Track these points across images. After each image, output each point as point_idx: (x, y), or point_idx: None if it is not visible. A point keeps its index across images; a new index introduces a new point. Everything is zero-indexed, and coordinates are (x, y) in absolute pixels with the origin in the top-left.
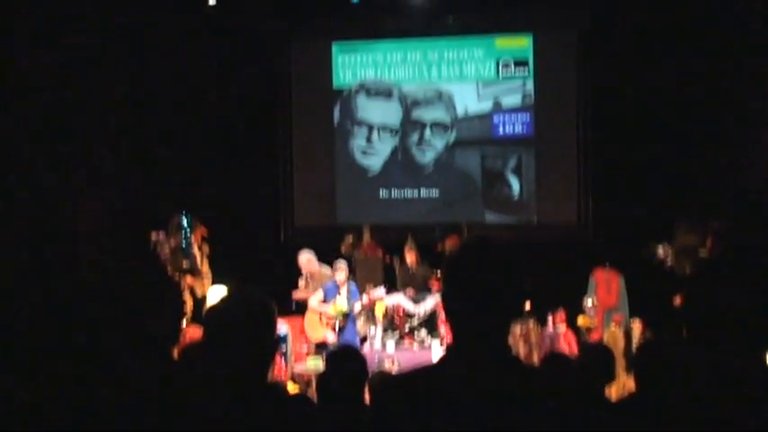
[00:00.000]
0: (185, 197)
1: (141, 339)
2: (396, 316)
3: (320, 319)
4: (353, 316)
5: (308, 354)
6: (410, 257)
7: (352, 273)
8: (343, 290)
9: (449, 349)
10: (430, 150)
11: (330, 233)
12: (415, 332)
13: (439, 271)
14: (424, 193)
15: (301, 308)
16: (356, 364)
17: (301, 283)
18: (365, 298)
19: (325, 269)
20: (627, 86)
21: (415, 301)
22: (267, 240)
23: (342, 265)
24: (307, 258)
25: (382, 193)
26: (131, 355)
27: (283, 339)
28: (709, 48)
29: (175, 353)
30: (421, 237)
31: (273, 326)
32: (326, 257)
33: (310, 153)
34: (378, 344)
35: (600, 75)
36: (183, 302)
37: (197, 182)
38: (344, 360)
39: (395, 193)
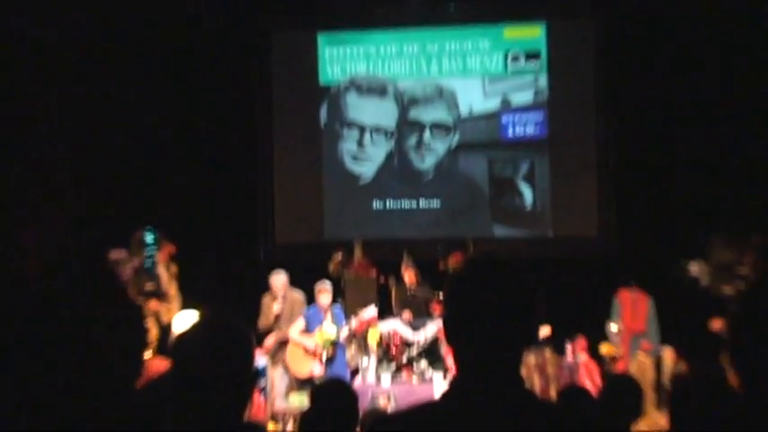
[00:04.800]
0: (150, 210)
1: (98, 374)
2: (392, 345)
3: (305, 350)
4: (342, 344)
5: (290, 385)
6: (408, 277)
7: (342, 295)
8: (328, 314)
9: (453, 383)
10: (430, 155)
11: (316, 251)
12: (415, 363)
13: (441, 293)
14: (423, 203)
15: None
16: (346, 400)
17: (277, 307)
18: (354, 322)
19: (296, 293)
20: (651, 81)
21: (414, 327)
22: (244, 260)
23: (326, 287)
24: (282, 281)
25: (376, 204)
26: (87, 393)
27: (262, 373)
28: (748, 34)
29: (138, 389)
30: (420, 254)
31: (251, 357)
32: (312, 278)
33: (293, 159)
34: (371, 377)
35: (621, 68)
36: (147, 330)
37: (164, 193)
38: (333, 396)
39: (390, 203)
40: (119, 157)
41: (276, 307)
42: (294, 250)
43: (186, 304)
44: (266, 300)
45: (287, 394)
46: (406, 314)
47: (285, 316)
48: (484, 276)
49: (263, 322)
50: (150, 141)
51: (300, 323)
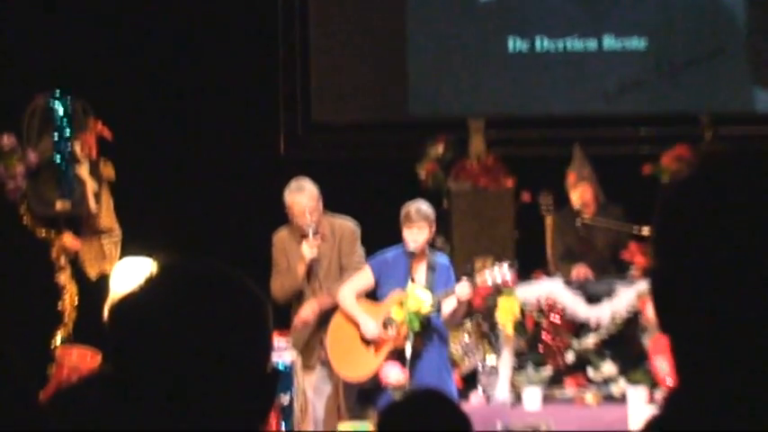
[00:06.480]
0: (65, 64)
1: None
2: (545, 328)
3: (364, 335)
4: (443, 325)
5: (337, 404)
6: (581, 195)
7: (445, 231)
8: (421, 268)
9: (669, 405)
10: None
11: (392, 139)
12: (591, 366)
13: (646, 228)
14: (611, 43)
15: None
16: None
17: (309, 250)
18: (465, 286)
19: (342, 220)
20: None
21: (592, 294)
22: (250, 154)
23: (418, 212)
24: (311, 198)
25: (513, 44)
26: None
27: (286, 378)
28: None
29: (41, 404)
30: (605, 146)
31: (265, 346)
32: (383, 195)
33: None
34: (502, 390)
35: None
36: (61, 291)
37: (94, 32)
38: (422, 425)
39: (543, 43)
40: None
41: (307, 250)
42: (346, 137)
43: (133, 242)
44: (282, 237)
45: (331, 420)
46: (577, 269)
47: (326, 267)
48: (736, 191)
49: (281, 282)
50: None
51: (364, 277)
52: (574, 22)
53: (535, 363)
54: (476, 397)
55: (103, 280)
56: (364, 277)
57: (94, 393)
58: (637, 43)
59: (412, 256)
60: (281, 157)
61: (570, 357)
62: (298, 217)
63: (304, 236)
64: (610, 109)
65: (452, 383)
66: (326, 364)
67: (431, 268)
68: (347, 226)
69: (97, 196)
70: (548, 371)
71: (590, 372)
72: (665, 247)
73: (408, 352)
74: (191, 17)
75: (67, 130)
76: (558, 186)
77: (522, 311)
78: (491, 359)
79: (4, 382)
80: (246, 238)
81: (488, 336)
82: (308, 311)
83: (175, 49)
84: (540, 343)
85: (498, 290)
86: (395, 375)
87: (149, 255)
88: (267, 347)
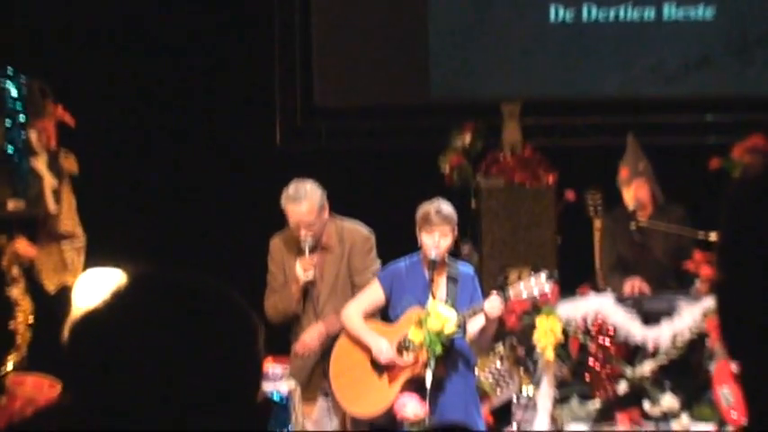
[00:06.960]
0: (20, 37)
1: None
2: (592, 352)
3: (374, 361)
4: (466, 347)
5: None
6: (634, 192)
7: (473, 235)
8: (441, 280)
9: None
10: None
11: (407, 125)
12: (647, 398)
13: (713, 233)
14: (672, 13)
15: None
16: None
17: (302, 272)
18: (496, 302)
19: (352, 225)
20: None
21: (648, 314)
22: (241, 147)
23: (439, 213)
24: (311, 206)
25: (555, 12)
26: None
27: (283, 411)
28: None
29: None
30: (662, 136)
31: (254, 372)
32: (398, 195)
33: None
34: (541, 426)
35: None
36: (13, 308)
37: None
38: None
39: (591, 12)
40: None
41: (301, 272)
42: (354, 125)
43: (100, 249)
44: (279, 246)
45: None
46: (631, 282)
47: (333, 282)
48: None
49: (275, 302)
50: None
51: (373, 293)
52: None
53: (580, 394)
54: None
55: (64, 294)
56: (373, 293)
57: (52, 429)
58: (702, 13)
59: (432, 266)
60: (278, 149)
61: (623, 388)
62: (294, 229)
63: (299, 251)
64: (670, 91)
65: (481, 418)
66: (330, 394)
67: (452, 279)
68: (359, 232)
69: (57, 194)
70: (596, 404)
71: (646, 405)
72: (732, 257)
73: (429, 381)
74: None
75: (22, 115)
76: (609, 183)
77: (565, 333)
78: (528, 389)
79: None
80: (236, 244)
81: (524, 362)
82: (312, 336)
83: (149, 18)
84: (587, 371)
85: (536, 306)
86: (412, 409)
87: (118, 264)
88: (256, 373)
